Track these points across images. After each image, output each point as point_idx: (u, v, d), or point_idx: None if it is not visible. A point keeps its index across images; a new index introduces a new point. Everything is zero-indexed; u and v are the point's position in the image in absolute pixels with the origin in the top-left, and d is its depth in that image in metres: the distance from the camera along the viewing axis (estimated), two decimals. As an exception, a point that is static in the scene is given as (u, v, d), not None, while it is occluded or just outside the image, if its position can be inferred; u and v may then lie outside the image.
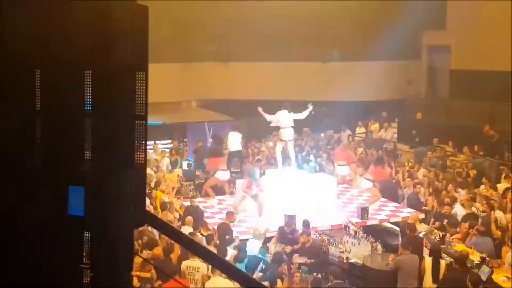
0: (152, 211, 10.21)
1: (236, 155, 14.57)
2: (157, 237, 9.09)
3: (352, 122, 18.88)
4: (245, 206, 11.87)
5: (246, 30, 17.69)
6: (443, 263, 8.81)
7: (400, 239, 10.19)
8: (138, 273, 7.69)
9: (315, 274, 8.43)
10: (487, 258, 9.17)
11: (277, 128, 12.89)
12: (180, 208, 11.84)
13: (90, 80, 2.32)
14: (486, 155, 15.12)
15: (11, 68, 2.35)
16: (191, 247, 3.93)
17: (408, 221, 10.77)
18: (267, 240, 9.98)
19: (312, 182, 12.63)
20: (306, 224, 10.11)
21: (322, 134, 18.35)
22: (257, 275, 7.94)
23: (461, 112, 17.15)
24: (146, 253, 8.58)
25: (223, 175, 12.96)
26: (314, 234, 10.20)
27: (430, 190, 12.54)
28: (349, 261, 9.53)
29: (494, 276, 8.75)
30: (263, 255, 8.88)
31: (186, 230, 9.52)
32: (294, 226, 10.21)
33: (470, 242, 9.94)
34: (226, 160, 13.57)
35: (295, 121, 12.58)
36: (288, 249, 9.55)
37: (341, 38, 18.60)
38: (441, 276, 8.68)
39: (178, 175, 14.09)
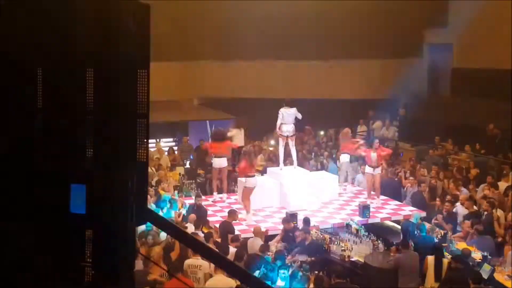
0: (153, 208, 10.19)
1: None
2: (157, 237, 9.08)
3: (354, 120, 18.81)
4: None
5: (246, 28, 17.66)
6: (445, 261, 8.81)
7: (401, 237, 10.20)
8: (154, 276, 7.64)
9: (316, 272, 8.43)
10: (489, 257, 9.17)
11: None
12: (182, 207, 11.83)
13: (92, 78, 2.33)
14: (488, 153, 15.08)
15: (12, 67, 2.36)
16: (193, 246, 3.94)
17: (411, 220, 10.77)
18: (269, 238, 9.98)
19: (313, 180, 12.63)
20: (306, 221, 10.11)
21: (322, 132, 18.33)
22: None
23: (463, 110, 17.10)
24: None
25: (218, 162, 12.32)
26: (316, 232, 10.19)
27: (430, 188, 12.53)
28: (350, 259, 9.53)
29: (495, 275, 8.75)
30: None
31: (190, 228, 9.52)
32: (295, 224, 10.20)
33: (471, 240, 9.94)
34: (228, 145, 12.69)
35: (296, 119, 12.51)
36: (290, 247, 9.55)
37: (342, 37, 18.55)
38: (443, 275, 8.67)
39: (179, 174, 14.08)
